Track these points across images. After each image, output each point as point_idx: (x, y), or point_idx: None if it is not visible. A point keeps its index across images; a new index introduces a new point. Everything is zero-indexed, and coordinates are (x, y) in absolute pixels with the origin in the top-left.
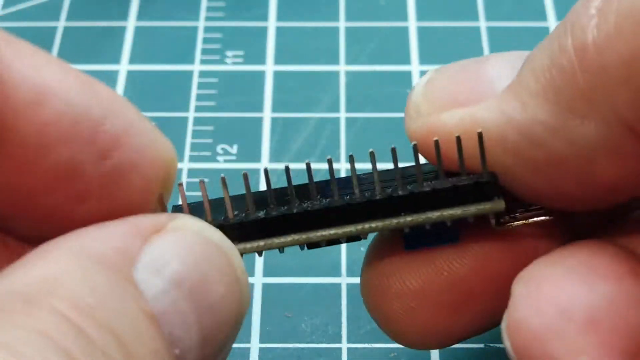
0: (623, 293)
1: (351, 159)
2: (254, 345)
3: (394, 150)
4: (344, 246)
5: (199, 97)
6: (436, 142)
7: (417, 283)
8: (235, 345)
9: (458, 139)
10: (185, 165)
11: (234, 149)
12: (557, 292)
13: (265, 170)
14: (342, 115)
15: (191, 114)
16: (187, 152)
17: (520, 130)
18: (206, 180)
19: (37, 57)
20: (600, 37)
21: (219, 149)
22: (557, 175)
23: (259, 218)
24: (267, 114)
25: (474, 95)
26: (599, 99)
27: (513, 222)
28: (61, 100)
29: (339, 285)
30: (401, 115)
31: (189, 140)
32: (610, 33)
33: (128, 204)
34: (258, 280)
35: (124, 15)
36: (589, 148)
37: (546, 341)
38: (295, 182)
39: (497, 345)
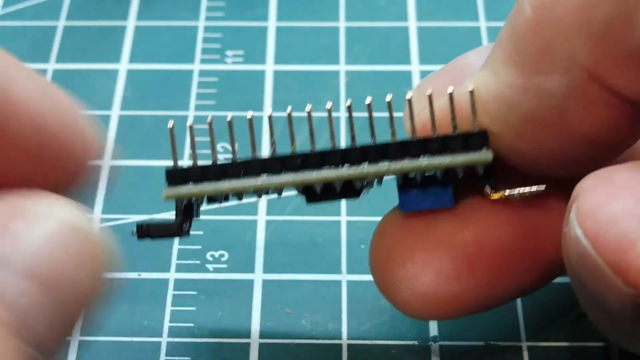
0: None
1: (349, 109)
2: (254, 341)
3: (389, 104)
4: (344, 243)
5: (199, 97)
6: (409, 100)
7: (418, 252)
8: (235, 340)
9: (450, 95)
10: (184, 164)
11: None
12: (631, 181)
13: (270, 117)
14: (342, 115)
15: (191, 113)
16: (187, 152)
17: (495, 96)
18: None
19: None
20: None
21: (219, 147)
22: (537, 134)
23: (255, 159)
24: (267, 114)
25: (456, 82)
26: (558, 51)
27: (508, 191)
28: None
29: (339, 281)
30: (401, 115)
31: (189, 140)
32: None
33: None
34: (258, 276)
35: (124, 15)
36: (559, 100)
37: (624, 222)
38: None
39: (498, 343)
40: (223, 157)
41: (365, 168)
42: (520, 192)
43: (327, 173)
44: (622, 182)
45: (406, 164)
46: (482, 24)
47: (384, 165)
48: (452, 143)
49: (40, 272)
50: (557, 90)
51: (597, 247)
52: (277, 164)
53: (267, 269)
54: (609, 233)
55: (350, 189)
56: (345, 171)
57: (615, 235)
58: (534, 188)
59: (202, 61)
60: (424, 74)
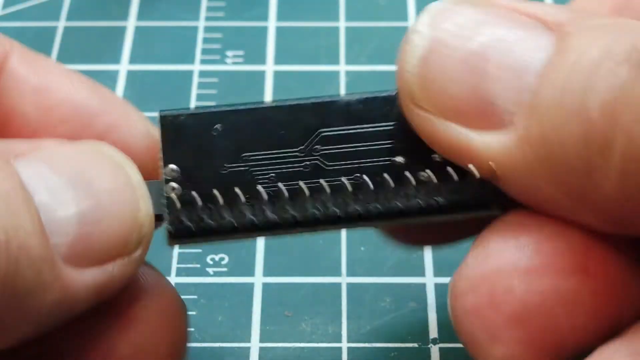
0: (564, 291)
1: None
2: (254, 344)
3: None
4: (344, 246)
5: (199, 97)
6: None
7: None
8: (235, 344)
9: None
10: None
11: None
12: (496, 277)
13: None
14: None
15: None
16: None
17: (522, 186)
18: None
19: (46, 62)
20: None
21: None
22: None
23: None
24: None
25: (474, 110)
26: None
27: None
28: (63, 91)
29: (339, 284)
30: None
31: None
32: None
33: None
34: (258, 279)
35: (124, 16)
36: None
37: (473, 320)
38: None
39: None
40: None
41: (361, 224)
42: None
43: (323, 228)
44: (491, 273)
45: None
46: None
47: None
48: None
49: (70, 170)
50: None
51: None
52: (272, 226)
53: (267, 272)
54: (464, 325)
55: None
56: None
57: (466, 329)
58: None
59: (202, 61)
60: None
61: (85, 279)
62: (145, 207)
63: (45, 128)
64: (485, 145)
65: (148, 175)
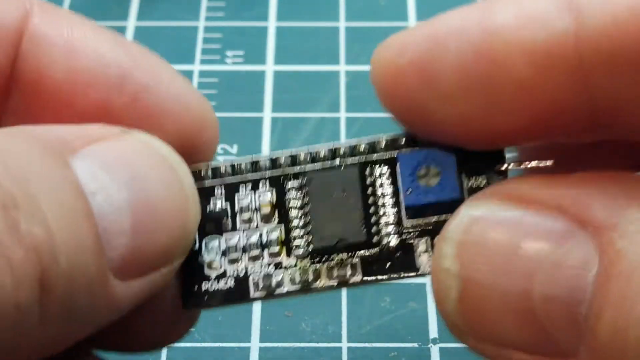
0: None
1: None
2: (254, 344)
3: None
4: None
5: None
6: None
7: None
8: (235, 344)
9: None
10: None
11: (234, 149)
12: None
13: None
14: (342, 115)
15: None
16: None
17: None
18: None
19: (70, 17)
20: None
21: (219, 148)
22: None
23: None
24: (267, 114)
25: (532, 343)
26: None
27: (513, 165)
28: (91, 50)
29: None
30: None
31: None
32: None
33: None
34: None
35: (124, 15)
36: None
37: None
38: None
39: None
40: (223, 159)
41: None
42: (528, 166)
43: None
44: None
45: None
46: None
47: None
48: None
49: (126, 175)
50: None
51: None
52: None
53: None
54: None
55: None
56: None
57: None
58: (542, 163)
59: (202, 61)
60: None
61: (131, 290)
62: (194, 213)
63: (74, 92)
64: None
65: (183, 142)
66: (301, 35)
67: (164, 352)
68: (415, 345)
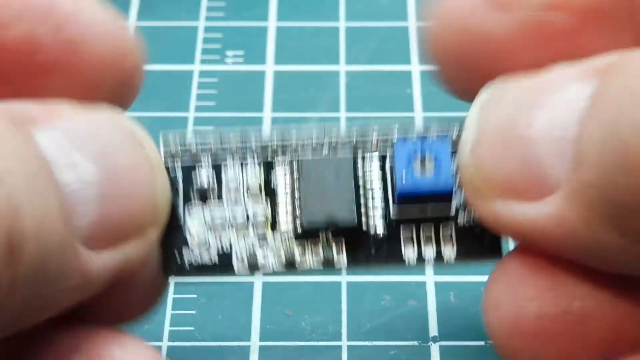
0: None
1: None
2: (254, 343)
3: None
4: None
5: (199, 97)
6: None
7: None
8: (235, 343)
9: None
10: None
11: None
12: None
13: None
14: (342, 115)
15: (191, 114)
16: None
17: (587, 247)
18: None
19: None
20: None
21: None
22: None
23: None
24: (267, 114)
25: (525, 180)
26: None
27: None
28: None
29: (339, 283)
30: (402, 115)
31: None
32: None
33: (87, 74)
34: (258, 278)
35: (124, 16)
36: None
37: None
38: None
39: None
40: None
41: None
42: None
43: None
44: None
45: None
46: None
47: None
48: None
49: (87, 143)
50: None
51: None
52: None
53: None
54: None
55: None
56: None
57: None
58: None
59: (202, 61)
60: (424, 74)
61: (103, 261)
62: (162, 187)
63: (1, 26)
64: (542, 214)
65: (108, 67)
66: (301, 35)
67: (164, 350)
68: (415, 343)
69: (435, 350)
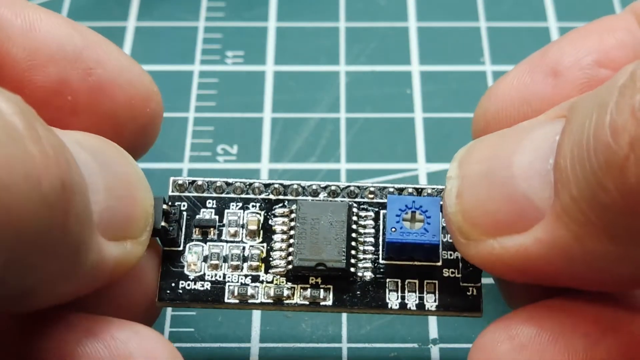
0: None
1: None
2: (254, 345)
3: None
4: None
5: (199, 97)
6: None
7: None
8: (235, 345)
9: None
10: (185, 166)
11: (234, 149)
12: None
13: None
14: (342, 115)
15: (191, 114)
16: (187, 153)
17: (581, 262)
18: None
19: (25, 2)
20: None
21: (219, 149)
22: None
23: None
24: (267, 114)
25: (512, 215)
26: None
27: None
28: (48, 30)
29: None
30: (401, 115)
31: (189, 140)
32: None
33: (113, 117)
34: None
35: (124, 16)
36: None
37: None
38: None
39: None
40: (223, 159)
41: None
42: None
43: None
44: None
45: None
46: (482, 24)
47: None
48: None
49: None
50: None
51: None
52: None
53: None
54: None
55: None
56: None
57: None
58: None
59: (202, 62)
60: (423, 74)
61: (109, 249)
62: (149, 198)
63: (34, 69)
64: (533, 239)
65: (130, 111)
66: (301, 35)
67: None
68: (415, 345)
69: (435, 352)
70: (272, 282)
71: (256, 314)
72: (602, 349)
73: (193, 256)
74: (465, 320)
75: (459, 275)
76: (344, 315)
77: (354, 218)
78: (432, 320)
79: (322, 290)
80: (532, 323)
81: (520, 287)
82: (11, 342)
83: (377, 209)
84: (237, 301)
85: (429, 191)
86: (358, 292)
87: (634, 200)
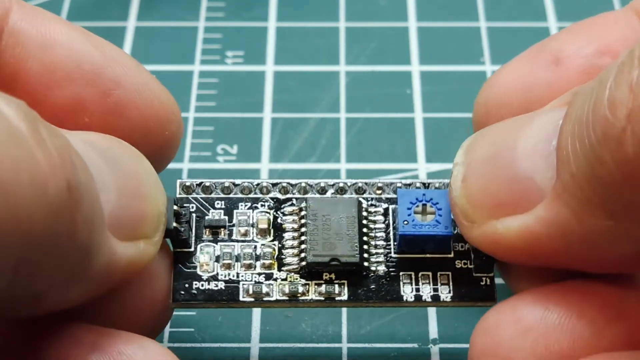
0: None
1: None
2: (254, 345)
3: None
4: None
5: (199, 97)
6: None
7: None
8: (235, 345)
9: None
10: (185, 166)
11: (234, 149)
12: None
13: None
14: (342, 115)
15: (191, 114)
16: (187, 153)
17: (581, 240)
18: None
19: (45, 15)
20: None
21: (219, 149)
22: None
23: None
24: (267, 114)
25: (515, 196)
26: None
27: None
28: (66, 47)
29: None
30: (401, 115)
31: (189, 140)
32: None
33: (128, 138)
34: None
35: (124, 16)
36: None
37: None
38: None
39: None
40: (223, 159)
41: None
42: None
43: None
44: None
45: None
46: (482, 24)
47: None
48: None
49: None
50: None
51: None
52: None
53: None
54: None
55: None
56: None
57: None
58: None
59: (202, 62)
60: (423, 74)
61: (121, 251)
62: (162, 197)
63: (50, 86)
64: (535, 218)
65: (148, 133)
66: (301, 35)
67: None
68: (415, 345)
69: (435, 352)
70: (285, 279)
71: (256, 314)
72: (607, 335)
73: (205, 256)
74: (465, 320)
75: (472, 266)
76: (344, 315)
77: (364, 213)
78: (432, 320)
79: (336, 285)
80: (539, 305)
81: (524, 273)
82: (14, 357)
83: (386, 205)
84: (252, 299)
85: (437, 185)
86: (372, 286)
87: (630, 172)
